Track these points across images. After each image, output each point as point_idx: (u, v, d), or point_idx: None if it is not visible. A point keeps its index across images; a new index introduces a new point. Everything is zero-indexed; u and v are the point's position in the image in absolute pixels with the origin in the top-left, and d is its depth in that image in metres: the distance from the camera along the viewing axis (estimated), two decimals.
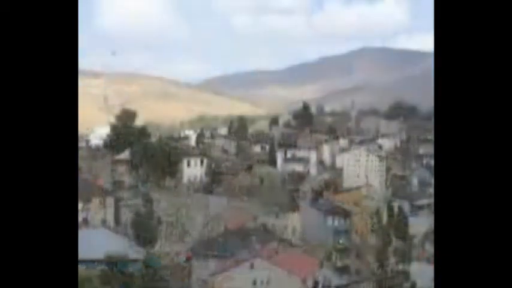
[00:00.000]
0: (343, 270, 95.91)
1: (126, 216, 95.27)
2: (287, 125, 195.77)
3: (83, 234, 72.27)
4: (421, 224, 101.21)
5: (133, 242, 79.64)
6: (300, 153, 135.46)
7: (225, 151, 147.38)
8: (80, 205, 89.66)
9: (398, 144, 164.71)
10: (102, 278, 62.80)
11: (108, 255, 64.62)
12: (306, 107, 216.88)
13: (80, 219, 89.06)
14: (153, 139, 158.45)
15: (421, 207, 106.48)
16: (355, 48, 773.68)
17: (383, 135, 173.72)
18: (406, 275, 73.81)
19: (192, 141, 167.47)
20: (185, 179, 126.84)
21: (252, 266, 67.25)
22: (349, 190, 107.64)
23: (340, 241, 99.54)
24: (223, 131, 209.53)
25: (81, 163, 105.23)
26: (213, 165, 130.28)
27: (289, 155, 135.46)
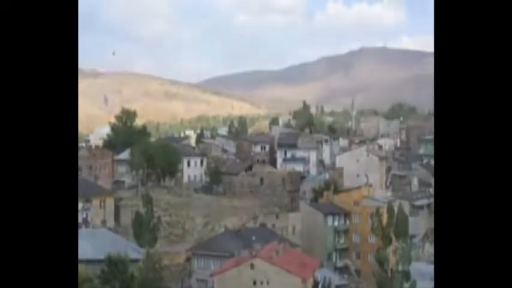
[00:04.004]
0: (343, 270, 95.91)
1: (127, 216, 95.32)
2: (287, 125, 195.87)
3: (83, 234, 72.38)
4: (421, 224, 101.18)
5: (134, 242, 79.69)
6: (300, 153, 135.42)
7: (225, 151, 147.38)
8: (80, 205, 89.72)
9: (399, 144, 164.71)
10: (102, 278, 62.80)
11: (108, 255, 64.62)
12: (306, 107, 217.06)
13: (80, 219, 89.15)
14: (153, 139, 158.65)
15: (421, 207, 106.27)
16: (355, 48, 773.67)
17: (383, 135, 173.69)
18: (406, 274, 73.69)
19: (192, 141, 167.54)
20: (185, 179, 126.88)
21: (252, 266, 67.21)
22: (349, 190, 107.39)
23: (340, 241, 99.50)
24: (223, 131, 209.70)
25: (81, 163, 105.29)
26: (213, 165, 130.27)
27: (289, 155, 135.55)
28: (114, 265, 63.39)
